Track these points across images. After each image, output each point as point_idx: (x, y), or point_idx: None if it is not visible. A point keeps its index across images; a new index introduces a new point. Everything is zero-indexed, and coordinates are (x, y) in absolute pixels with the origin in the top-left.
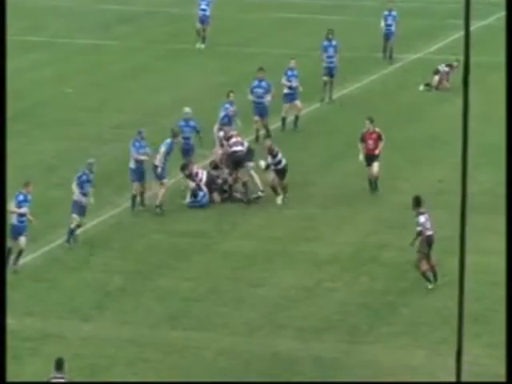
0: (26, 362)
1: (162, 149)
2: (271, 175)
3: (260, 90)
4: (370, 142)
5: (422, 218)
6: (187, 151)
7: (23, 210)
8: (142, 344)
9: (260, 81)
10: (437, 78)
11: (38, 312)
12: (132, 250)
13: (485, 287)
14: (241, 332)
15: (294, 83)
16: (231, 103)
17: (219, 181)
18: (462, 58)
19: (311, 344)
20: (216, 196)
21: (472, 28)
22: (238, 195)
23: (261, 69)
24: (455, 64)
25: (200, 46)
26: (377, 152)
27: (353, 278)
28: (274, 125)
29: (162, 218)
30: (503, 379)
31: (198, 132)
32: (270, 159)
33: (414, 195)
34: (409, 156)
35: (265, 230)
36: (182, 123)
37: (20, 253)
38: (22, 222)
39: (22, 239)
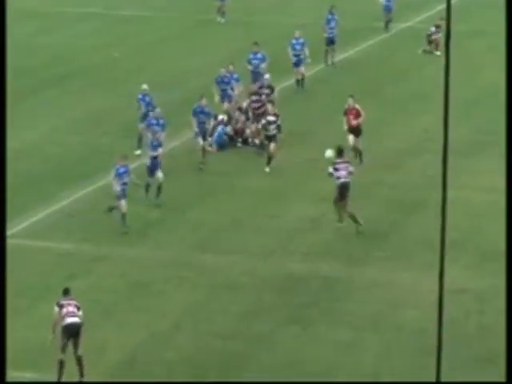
0: (80, 279)
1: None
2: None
3: (256, 61)
4: (351, 117)
5: (331, 169)
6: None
7: (125, 180)
8: (177, 265)
9: (255, 53)
10: (431, 45)
11: (92, 238)
12: (168, 188)
13: (462, 218)
14: (259, 256)
15: (298, 52)
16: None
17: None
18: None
19: (318, 266)
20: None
21: (454, 0)
22: (255, 142)
23: (255, 43)
24: (440, 23)
25: (220, 20)
26: (354, 123)
27: (353, 210)
28: (284, 84)
29: (193, 160)
30: (477, 295)
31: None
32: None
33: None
34: (399, 109)
35: (279, 171)
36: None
37: (123, 216)
38: (124, 189)
39: (123, 202)
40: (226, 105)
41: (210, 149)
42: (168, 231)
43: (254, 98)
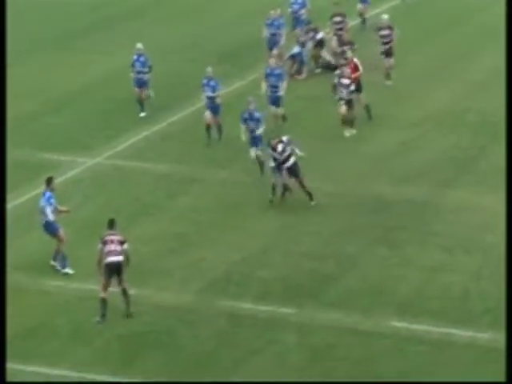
0: (178, 198)
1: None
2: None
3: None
4: (349, 71)
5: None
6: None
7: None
8: (269, 188)
9: (273, 20)
10: None
11: (187, 160)
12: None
13: None
14: (348, 179)
15: None
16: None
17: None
18: None
19: (407, 189)
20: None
21: None
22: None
23: (273, 9)
24: None
25: None
26: (353, 76)
27: (442, 136)
28: None
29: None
30: None
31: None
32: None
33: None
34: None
35: (369, 94)
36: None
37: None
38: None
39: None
40: (274, 51)
41: (299, 77)
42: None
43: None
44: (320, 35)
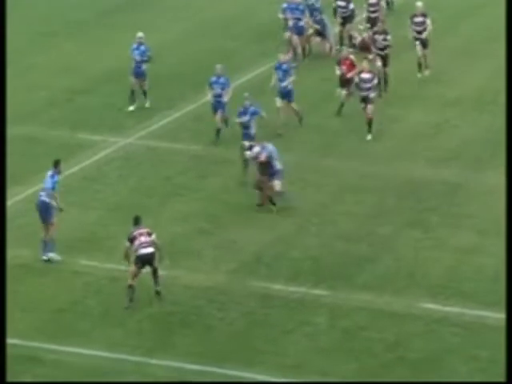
0: (210, 179)
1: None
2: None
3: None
4: (344, 68)
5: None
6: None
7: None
8: (300, 169)
9: (298, 4)
10: None
11: (219, 141)
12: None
13: None
14: (382, 160)
15: None
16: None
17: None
18: None
19: (440, 170)
20: None
21: None
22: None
23: None
24: None
25: None
26: (349, 75)
27: (477, 116)
28: None
29: (314, 63)
30: None
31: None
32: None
33: None
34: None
35: (400, 75)
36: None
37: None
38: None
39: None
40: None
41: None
42: (291, 135)
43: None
44: (351, 6)
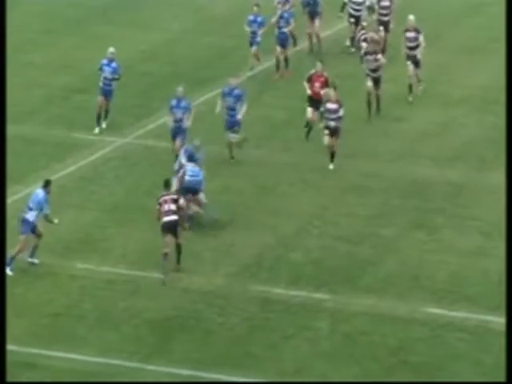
0: (207, 180)
1: None
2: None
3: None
4: (317, 85)
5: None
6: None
7: None
8: (302, 168)
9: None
10: None
11: (216, 140)
12: (293, 89)
13: None
14: (386, 159)
15: None
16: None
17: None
18: None
19: (446, 171)
20: None
21: None
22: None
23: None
24: None
25: None
26: (320, 92)
27: (481, 116)
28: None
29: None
30: None
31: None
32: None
33: None
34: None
35: (402, 75)
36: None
37: None
38: None
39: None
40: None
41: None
42: (290, 135)
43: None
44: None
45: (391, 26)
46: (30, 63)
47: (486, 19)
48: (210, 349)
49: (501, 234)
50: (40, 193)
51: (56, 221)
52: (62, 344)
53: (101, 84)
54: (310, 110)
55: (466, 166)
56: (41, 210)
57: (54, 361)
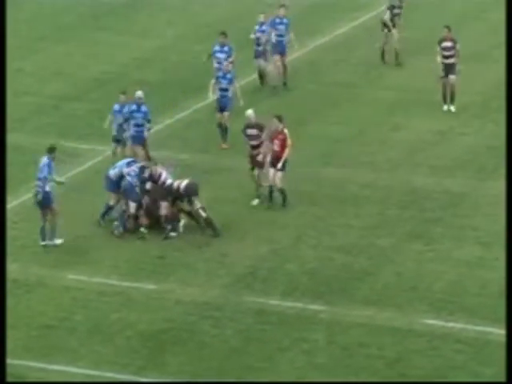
0: (202, 188)
1: None
2: None
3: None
4: (277, 143)
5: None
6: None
7: None
8: (296, 179)
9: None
10: None
11: (210, 149)
12: (287, 100)
13: None
14: (383, 169)
15: None
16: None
17: None
18: None
19: (444, 180)
20: None
21: None
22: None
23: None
24: None
25: None
26: (283, 155)
27: (481, 124)
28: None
29: (316, 69)
30: None
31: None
32: None
33: None
34: None
35: (404, 81)
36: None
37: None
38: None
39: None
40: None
41: None
42: None
43: None
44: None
45: None
46: (20, 70)
47: (487, 26)
48: (205, 361)
49: (501, 245)
50: (44, 160)
51: (63, 179)
52: (53, 356)
53: (132, 132)
54: (271, 171)
55: (465, 175)
56: (49, 174)
57: (46, 373)
